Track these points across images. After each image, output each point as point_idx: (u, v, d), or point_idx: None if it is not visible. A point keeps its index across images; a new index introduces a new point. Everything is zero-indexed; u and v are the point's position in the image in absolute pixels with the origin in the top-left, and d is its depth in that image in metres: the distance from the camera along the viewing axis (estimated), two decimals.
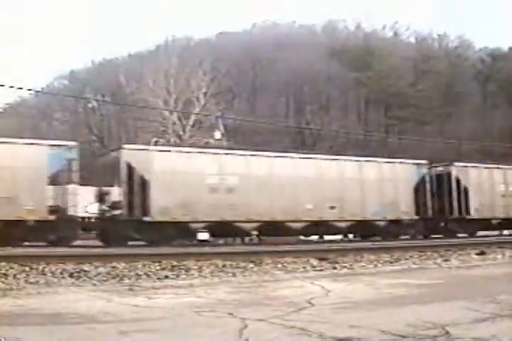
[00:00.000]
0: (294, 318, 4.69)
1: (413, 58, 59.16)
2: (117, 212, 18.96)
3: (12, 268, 9.42)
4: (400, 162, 24.90)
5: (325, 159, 23.59)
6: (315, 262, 11.14)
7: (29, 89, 51.66)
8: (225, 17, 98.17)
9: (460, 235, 25.06)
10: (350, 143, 44.90)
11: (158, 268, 10.00)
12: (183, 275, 9.10)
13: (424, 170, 25.20)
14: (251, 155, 21.91)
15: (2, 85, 20.37)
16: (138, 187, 19.40)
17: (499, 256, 12.23)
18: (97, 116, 49.14)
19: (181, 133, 38.72)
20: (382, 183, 23.70)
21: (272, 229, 21.49)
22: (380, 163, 24.42)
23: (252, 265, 10.54)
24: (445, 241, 18.34)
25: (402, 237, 23.38)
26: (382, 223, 23.49)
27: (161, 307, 5.43)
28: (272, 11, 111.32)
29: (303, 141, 48.55)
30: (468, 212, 25.38)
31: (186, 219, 19.73)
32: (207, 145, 33.08)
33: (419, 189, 24.64)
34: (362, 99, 56.80)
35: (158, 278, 8.62)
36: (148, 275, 8.99)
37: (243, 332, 4.08)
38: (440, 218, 25.25)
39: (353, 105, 57.31)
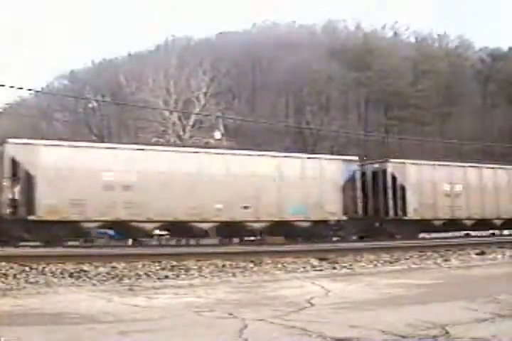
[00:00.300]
0: (294, 318, 4.69)
1: (413, 58, 59.15)
2: (8, 210, 17.70)
3: (12, 268, 9.42)
4: (326, 158, 23.25)
5: (238, 155, 21.59)
6: (315, 262, 11.15)
7: (29, 89, 51.65)
8: (225, 17, 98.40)
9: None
10: (350, 143, 44.92)
11: (158, 268, 10.01)
12: (183, 275, 9.11)
13: (355, 167, 23.06)
14: (151, 150, 20.16)
15: (2, 85, 20.34)
16: (23, 183, 18.04)
17: (499, 256, 12.24)
18: (97, 116, 49.15)
19: (181, 133, 38.75)
20: (304, 181, 21.69)
21: (178, 230, 20.47)
22: (303, 159, 22.58)
23: (251, 265, 10.55)
24: (445, 241, 18.34)
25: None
26: (304, 224, 21.60)
27: (161, 307, 5.44)
28: (272, 11, 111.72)
29: (303, 141, 48.56)
30: (405, 213, 23.40)
31: (77, 218, 18.12)
32: (207, 145, 33.12)
33: (348, 187, 22.73)
34: (362, 99, 56.80)
35: (158, 278, 8.62)
36: (148, 275, 9.00)
37: (243, 332, 4.08)
38: (375, 219, 23.49)
39: (353, 105, 57.33)
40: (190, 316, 4.92)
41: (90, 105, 46.77)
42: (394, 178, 23.62)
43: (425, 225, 23.75)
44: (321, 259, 11.47)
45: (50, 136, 27.52)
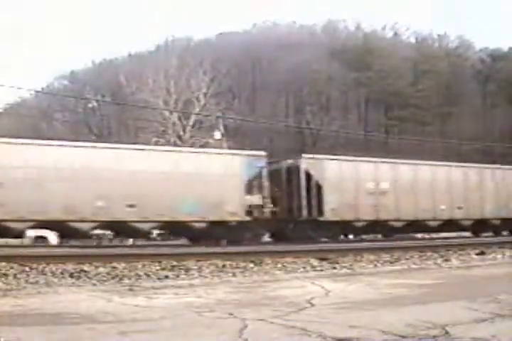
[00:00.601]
0: (294, 318, 4.68)
1: (413, 58, 59.19)
2: None
3: (12, 268, 9.41)
4: (226, 153, 21.85)
5: (124, 149, 20.07)
6: (315, 262, 11.13)
7: (29, 89, 51.71)
8: (225, 17, 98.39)
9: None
10: (350, 143, 44.91)
11: (158, 268, 9.99)
12: (183, 275, 9.10)
13: (262, 163, 21.26)
14: (21, 144, 18.43)
15: (2, 85, 20.34)
16: None
17: (499, 256, 12.25)
18: (97, 116, 49.23)
19: (181, 133, 38.77)
20: (201, 178, 19.97)
21: (56, 230, 18.90)
22: (201, 153, 21.35)
23: (252, 265, 10.53)
24: (445, 242, 18.34)
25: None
26: (199, 225, 19.98)
27: (161, 307, 5.43)
28: (272, 11, 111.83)
29: (303, 141, 48.56)
30: (321, 213, 21.51)
31: None
32: (207, 145, 33.12)
33: (255, 185, 21.18)
34: (362, 99, 56.81)
35: (158, 278, 8.61)
36: (148, 276, 8.99)
37: (243, 332, 4.08)
38: (289, 219, 21.89)
39: (353, 105, 57.33)
40: (190, 316, 4.91)
41: (90, 105, 46.83)
42: (309, 175, 21.84)
43: (345, 227, 22.29)
44: (321, 259, 11.46)
45: (51, 136, 27.45)
